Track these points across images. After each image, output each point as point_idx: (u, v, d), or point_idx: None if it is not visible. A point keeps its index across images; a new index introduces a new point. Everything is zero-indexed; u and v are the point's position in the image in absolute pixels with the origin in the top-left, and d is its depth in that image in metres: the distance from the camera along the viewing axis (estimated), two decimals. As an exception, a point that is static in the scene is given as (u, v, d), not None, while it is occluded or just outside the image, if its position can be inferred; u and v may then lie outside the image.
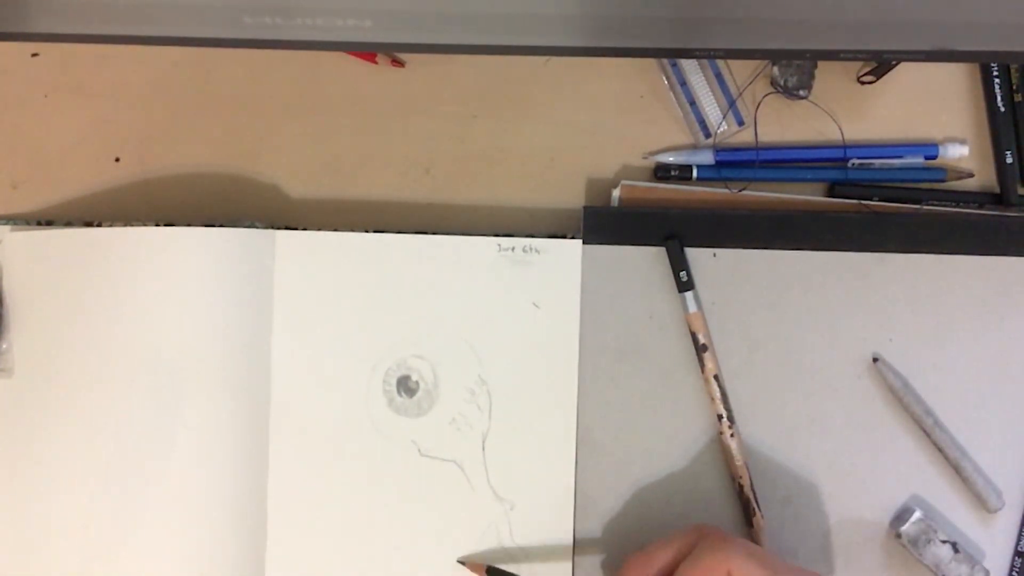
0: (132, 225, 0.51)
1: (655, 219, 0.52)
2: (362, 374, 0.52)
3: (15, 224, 0.53)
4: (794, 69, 0.53)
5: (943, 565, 0.50)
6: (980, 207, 0.54)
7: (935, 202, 0.54)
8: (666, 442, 0.52)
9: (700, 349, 0.51)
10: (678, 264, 0.51)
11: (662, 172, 0.54)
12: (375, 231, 0.52)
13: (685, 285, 0.51)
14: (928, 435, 0.52)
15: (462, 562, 0.51)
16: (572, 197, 0.55)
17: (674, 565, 0.44)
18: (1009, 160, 0.54)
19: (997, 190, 0.55)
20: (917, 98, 0.55)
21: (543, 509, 0.52)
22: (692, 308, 0.51)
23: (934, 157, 0.54)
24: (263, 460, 0.51)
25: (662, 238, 0.52)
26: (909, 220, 0.52)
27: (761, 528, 0.51)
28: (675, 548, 0.45)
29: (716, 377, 0.51)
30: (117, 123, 0.55)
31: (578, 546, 0.52)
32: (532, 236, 0.52)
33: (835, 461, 0.52)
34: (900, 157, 0.54)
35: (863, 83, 0.54)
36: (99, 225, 0.52)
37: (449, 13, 0.41)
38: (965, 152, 0.54)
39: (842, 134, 0.54)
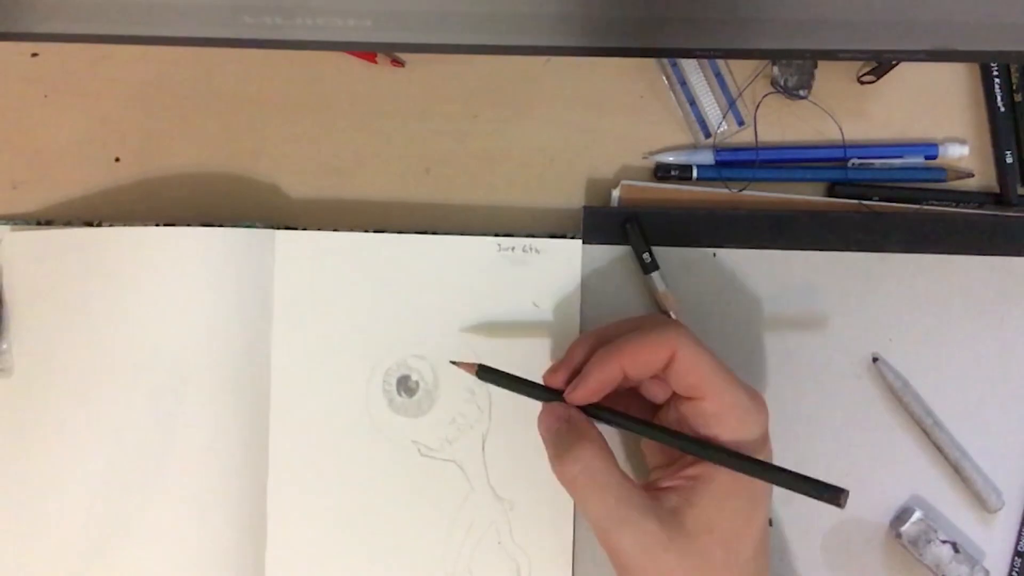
0: (132, 225, 0.51)
1: (655, 219, 0.52)
2: (362, 374, 0.52)
3: (15, 224, 0.53)
4: (794, 69, 0.53)
5: (943, 565, 0.50)
6: (980, 207, 0.54)
7: (935, 202, 0.54)
8: (666, 442, 0.52)
9: None
10: (640, 247, 0.51)
11: (662, 172, 0.54)
12: (375, 231, 0.52)
13: (650, 266, 0.51)
14: (928, 435, 0.52)
15: (454, 363, 0.48)
16: (572, 197, 0.55)
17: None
18: (1009, 160, 0.54)
19: (997, 190, 0.55)
20: (917, 98, 0.55)
21: (543, 509, 0.51)
22: (661, 287, 0.51)
23: (934, 157, 0.54)
24: (263, 460, 0.51)
25: (665, 236, 0.52)
26: (909, 220, 0.52)
27: None
28: (627, 327, 0.45)
29: None
30: (117, 123, 0.55)
31: (578, 546, 0.51)
32: (532, 236, 0.52)
33: (835, 461, 0.52)
34: (900, 157, 0.54)
35: (863, 83, 0.54)
36: (99, 225, 0.52)
37: (449, 13, 0.40)
38: (965, 152, 0.54)
39: (842, 134, 0.54)
